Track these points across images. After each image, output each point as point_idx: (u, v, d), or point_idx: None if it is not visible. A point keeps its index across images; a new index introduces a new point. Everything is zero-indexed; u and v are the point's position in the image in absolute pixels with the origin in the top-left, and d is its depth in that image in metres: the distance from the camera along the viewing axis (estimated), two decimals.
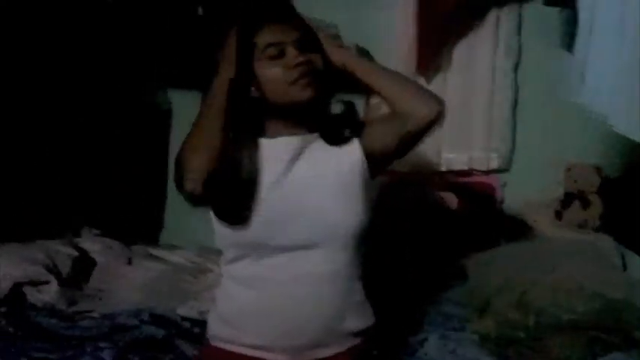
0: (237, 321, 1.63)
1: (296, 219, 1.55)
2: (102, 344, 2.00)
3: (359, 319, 1.64)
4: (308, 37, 1.58)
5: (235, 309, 1.63)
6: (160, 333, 2.07)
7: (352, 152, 1.64)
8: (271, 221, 1.54)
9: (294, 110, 1.57)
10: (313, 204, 1.57)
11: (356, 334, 1.64)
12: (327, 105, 1.66)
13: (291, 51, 1.52)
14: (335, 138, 1.64)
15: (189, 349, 1.97)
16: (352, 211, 1.59)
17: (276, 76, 1.52)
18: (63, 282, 2.34)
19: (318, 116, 1.63)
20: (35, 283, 2.31)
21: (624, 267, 2.64)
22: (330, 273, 1.59)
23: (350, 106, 1.69)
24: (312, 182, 1.58)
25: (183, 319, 2.17)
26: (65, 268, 2.40)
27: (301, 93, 1.52)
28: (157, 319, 2.15)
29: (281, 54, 1.53)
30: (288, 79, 1.52)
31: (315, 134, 1.64)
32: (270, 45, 1.52)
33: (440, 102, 1.62)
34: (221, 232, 1.59)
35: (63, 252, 2.46)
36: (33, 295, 2.29)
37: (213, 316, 1.71)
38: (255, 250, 1.57)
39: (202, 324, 1.90)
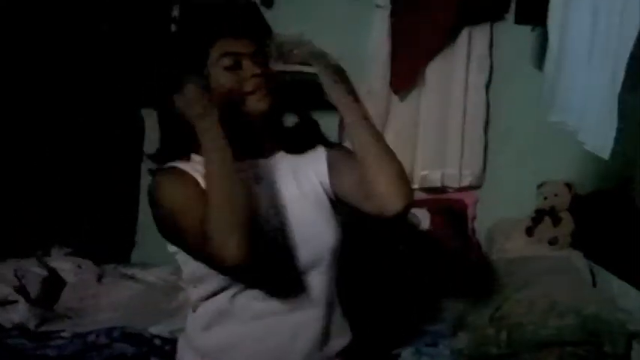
0: (218, 354, 1.56)
1: (288, 244, 1.51)
2: None
3: (341, 339, 1.62)
4: (265, 52, 1.53)
5: (216, 342, 1.55)
6: (131, 350, 2.05)
7: (318, 161, 1.60)
8: (264, 250, 1.45)
9: (248, 127, 1.52)
10: (300, 226, 1.53)
11: (338, 354, 1.61)
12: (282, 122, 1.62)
13: (247, 63, 1.49)
14: (298, 146, 1.60)
15: None
16: (333, 227, 1.57)
17: (231, 87, 1.48)
18: (32, 302, 2.30)
19: (274, 135, 1.59)
20: (3, 303, 2.27)
21: (594, 282, 2.67)
22: (316, 296, 1.55)
23: (313, 124, 1.65)
24: (294, 204, 1.55)
25: (154, 336, 2.15)
26: (34, 287, 2.36)
27: (257, 104, 1.49)
28: (129, 337, 2.13)
29: (237, 65, 1.49)
30: (244, 89, 1.49)
31: (278, 154, 1.60)
32: (226, 54, 1.49)
33: (408, 199, 1.49)
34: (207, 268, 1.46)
35: (32, 271, 2.42)
36: (1, 316, 2.26)
37: (187, 350, 1.62)
38: (244, 281, 1.49)
39: (174, 342, 1.88)
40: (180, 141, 1.51)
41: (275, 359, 1.53)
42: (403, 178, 1.52)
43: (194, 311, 1.58)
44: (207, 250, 1.34)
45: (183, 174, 1.48)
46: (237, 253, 1.31)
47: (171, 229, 1.46)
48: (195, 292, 1.56)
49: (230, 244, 1.30)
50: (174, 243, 1.51)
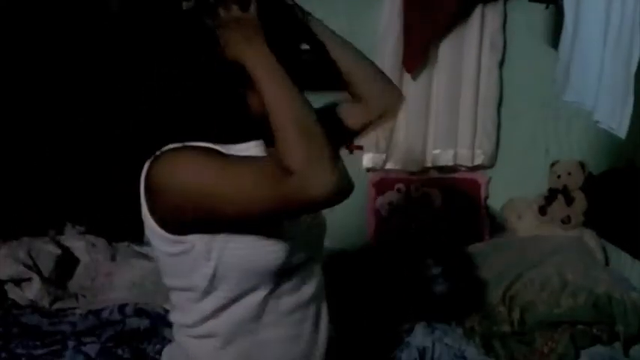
0: None
1: (311, 228, 1.39)
2: (85, 339, 2.00)
3: (331, 325, 1.50)
4: None
5: (236, 356, 1.34)
6: (145, 323, 2.07)
7: None
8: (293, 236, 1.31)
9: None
10: None
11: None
12: None
13: None
14: None
15: None
16: None
17: None
18: (46, 280, 2.32)
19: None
20: (17, 281, 2.29)
21: (607, 261, 2.67)
22: (322, 286, 1.44)
23: None
24: None
25: (167, 311, 2.16)
26: (48, 266, 2.38)
27: None
28: (141, 313, 2.15)
29: None
30: None
31: None
32: None
33: (400, 92, 1.57)
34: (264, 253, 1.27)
35: (46, 250, 2.43)
36: (16, 293, 2.28)
37: None
38: (269, 277, 1.30)
39: None
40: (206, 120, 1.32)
41: (302, 357, 1.41)
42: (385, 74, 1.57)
43: (192, 326, 1.35)
44: (287, 193, 1.13)
45: (196, 147, 1.28)
46: (337, 176, 1.13)
47: (199, 208, 1.20)
48: (206, 304, 1.31)
49: (328, 168, 1.13)
50: (201, 226, 1.24)
